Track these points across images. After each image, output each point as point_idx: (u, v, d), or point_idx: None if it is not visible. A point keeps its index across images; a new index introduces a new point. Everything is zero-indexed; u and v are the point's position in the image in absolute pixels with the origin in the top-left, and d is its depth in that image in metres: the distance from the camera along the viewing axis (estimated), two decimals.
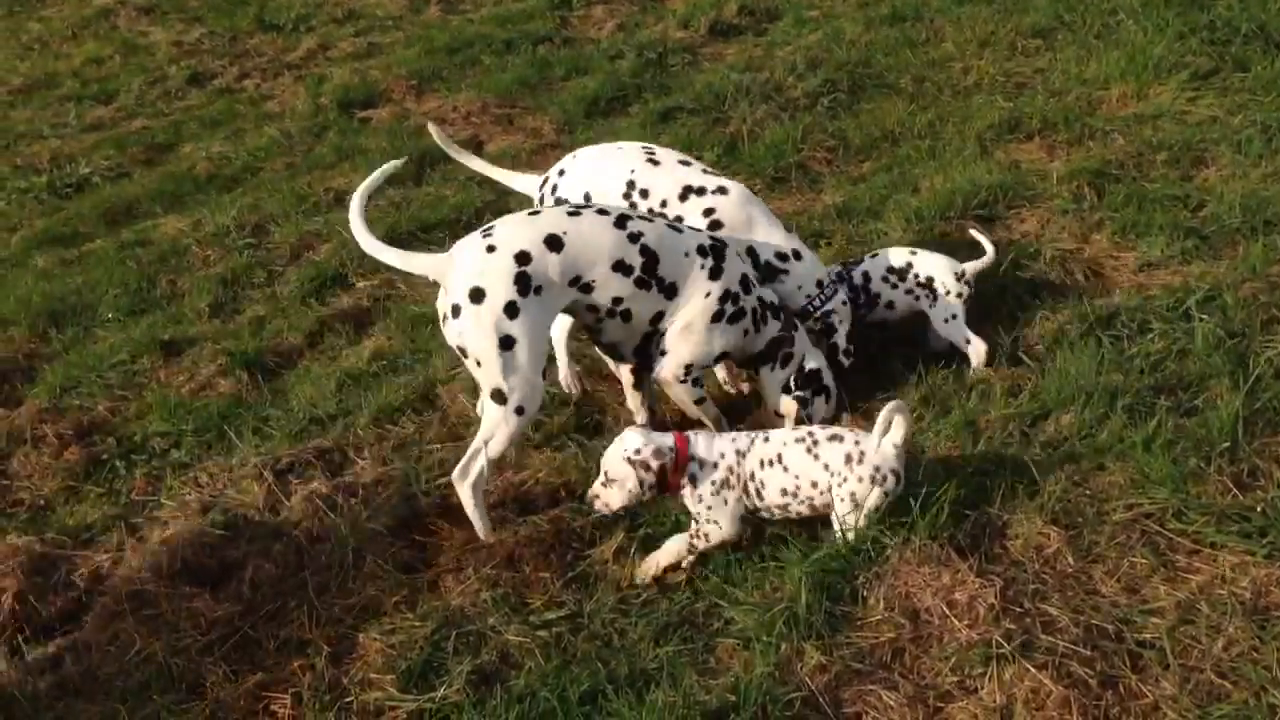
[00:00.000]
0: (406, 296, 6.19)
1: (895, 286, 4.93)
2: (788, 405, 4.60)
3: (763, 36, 9.38)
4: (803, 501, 3.83)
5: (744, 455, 3.85)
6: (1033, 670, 3.31)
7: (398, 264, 4.21)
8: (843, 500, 3.76)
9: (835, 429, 3.89)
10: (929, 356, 4.87)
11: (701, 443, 3.87)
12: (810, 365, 4.60)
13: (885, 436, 3.76)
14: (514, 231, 4.15)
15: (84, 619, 4.13)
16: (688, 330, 4.37)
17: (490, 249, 4.08)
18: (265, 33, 11.15)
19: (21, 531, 4.53)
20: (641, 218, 4.35)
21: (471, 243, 4.15)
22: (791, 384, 4.58)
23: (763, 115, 7.53)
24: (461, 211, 6.76)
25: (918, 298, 4.91)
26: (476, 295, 4.02)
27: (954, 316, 4.86)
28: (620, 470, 3.82)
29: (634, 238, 4.24)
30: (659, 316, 4.37)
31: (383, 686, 3.61)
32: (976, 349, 4.83)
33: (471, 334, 4.04)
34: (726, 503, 3.83)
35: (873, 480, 3.74)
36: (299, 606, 4.01)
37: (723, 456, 3.85)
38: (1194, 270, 5.17)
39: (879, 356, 4.97)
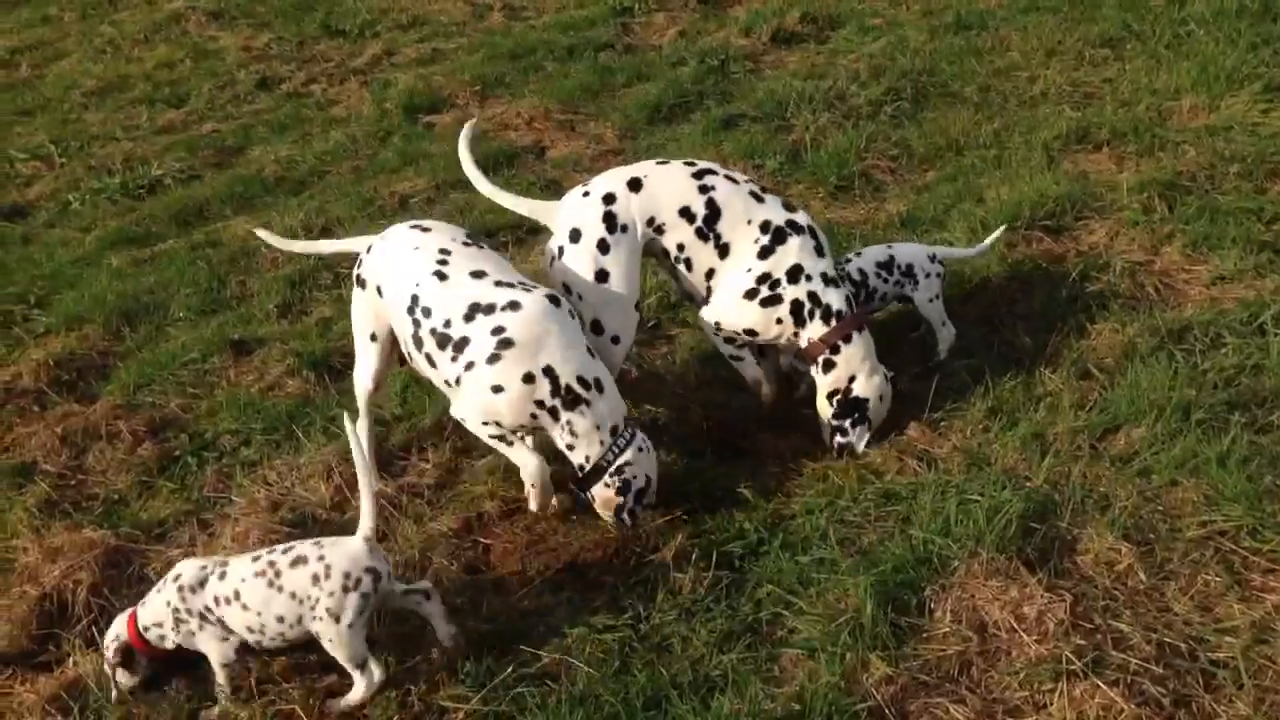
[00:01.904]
0: None
1: (886, 280, 5.04)
2: (823, 409, 4.59)
3: (825, 44, 9.34)
4: (274, 638, 3.65)
5: (194, 590, 3.68)
6: (1104, 687, 3.28)
7: (510, 205, 4.88)
8: (321, 619, 3.57)
9: (299, 549, 3.67)
10: (995, 366, 4.83)
11: (147, 611, 3.76)
12: (858, 392, 4.50)
13: (355, 534, 3.67)
14: (606, 178, 4.63)
15: None
16: (724, 292, 4.56)
17: (585, 194, 4.58)
18: (331, 38, 11.27)
19: (97, 525, 4.62)
20: (727, 176, 4.60)
21: (573, 191, 4.67)
22: (834, 403, 4.53)
23: (825, 123, 7.51)
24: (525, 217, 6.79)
25: (902, 285, 5.04)
26: (575, 235, 4.51)
27: (936, 296, 5.03)
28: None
29: (704, 189, 4.52)
30: (711, 274, 4.57)
31: (446, 685, 3.65)
32: (947, 334, 5.02)
33: (572, 270, 4.48)
34: (194, 633, 3.70)
35: (345, 589, 3.56)
36: None
37: (168, 604, 3.71)
38: (1268, 284, 5.09)
39: (942, 366, 4.95)
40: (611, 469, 4.13)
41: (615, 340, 4.52)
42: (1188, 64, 7.31)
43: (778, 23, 9.63)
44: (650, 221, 4.52)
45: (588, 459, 4.14)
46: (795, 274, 4.49)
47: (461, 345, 4.11)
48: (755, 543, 4.11)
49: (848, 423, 4.52)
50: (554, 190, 7.21)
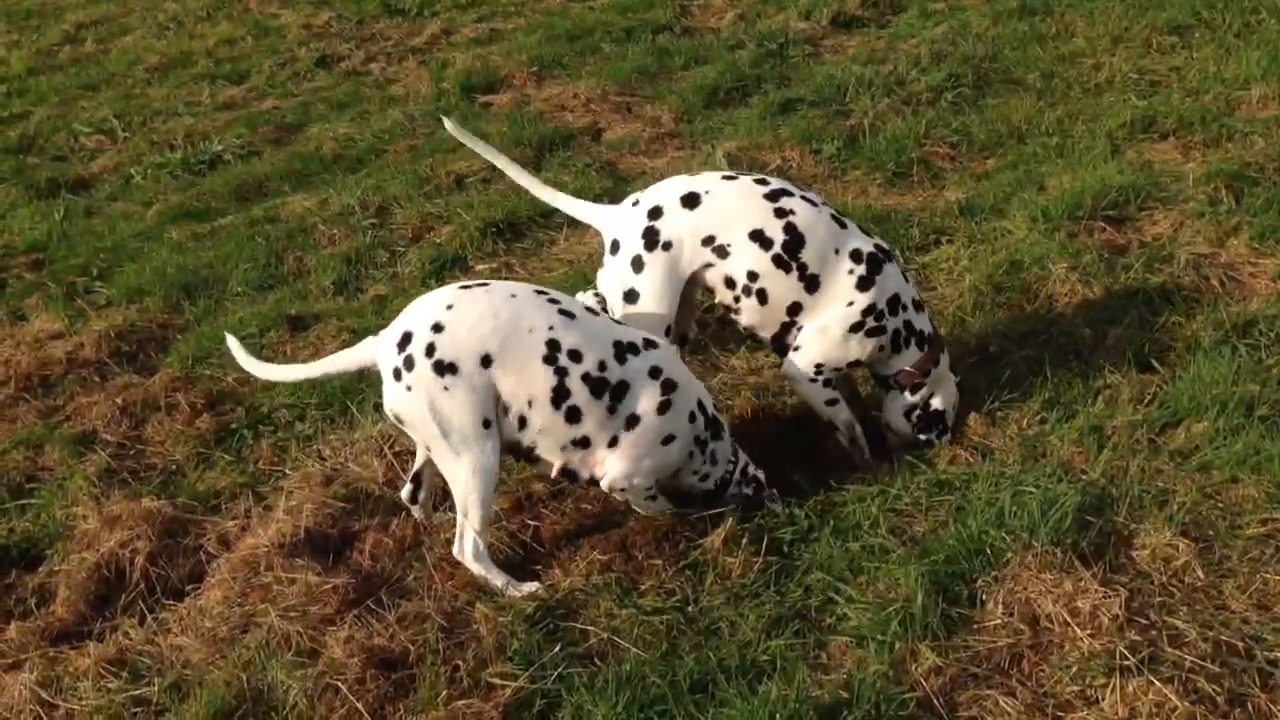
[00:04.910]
0: (523, 280, 6.25)
1: None
2: (900, 426, 4.50)
3: (885, 29, 9.26)
4: None
5: None
6: (1158, 684, 3.23)
7: (565, 208, 4.59)
8: None
9: None
10: (1053, 357, 4.77)
11: None
12: (936, 405, 4.43)
13: None
14: (660, 188, 4.31)
15: (209, 583, 4.26)
16: (824, 332, 4.26)
17: (635, 204, 4.30)
18: (390, 17, 11.36)
19: (154, 495, 4.69)
20: (804, 197, 4.28)
21: (627, 200, 4.38)
22: (914, 418, 4.45)
23: (884, 109, 7.44)
24: (580, 196, 6.77)
25: None
26: (615, 247, 4.27)
27: None
28: None
29: (781, 213, 4.17)
30: (796, 308, 4.25)
31: (494, 663, 3.67)
32: None
33: (607, 283, 4.30)
34: None
35: None
36: (418, 580, 4.10)
37: None
38: None
39: (999, 356, 4.89)
40: (735, 477, 4.16)
41: None
42: (1257, 53, 7.16)
43: (838, 6, 9.57)
44: (709, 240, 4.17)
45: (717, 481, 4.14)
46: (895, 304, 4.26)
47: (620, 393, 3.86)
48: (805, 529, 4.08)
49: (933, 435, 4.46)
50: (609, 172, 7.21)
